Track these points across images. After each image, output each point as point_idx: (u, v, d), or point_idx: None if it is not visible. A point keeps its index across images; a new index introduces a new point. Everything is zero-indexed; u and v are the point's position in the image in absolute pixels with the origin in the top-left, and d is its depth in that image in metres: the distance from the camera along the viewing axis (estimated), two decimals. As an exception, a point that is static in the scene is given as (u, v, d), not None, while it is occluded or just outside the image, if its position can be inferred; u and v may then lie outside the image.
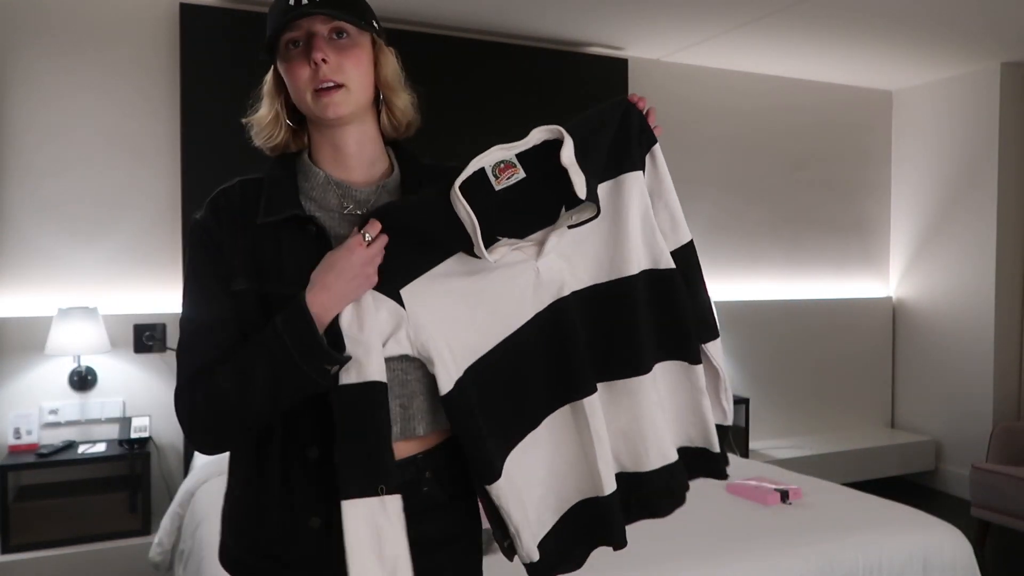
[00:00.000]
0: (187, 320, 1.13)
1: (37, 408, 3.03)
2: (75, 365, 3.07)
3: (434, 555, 1.11)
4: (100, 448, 2.97)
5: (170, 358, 3.21)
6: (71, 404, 3.07)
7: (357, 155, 1.13)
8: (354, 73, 1.08)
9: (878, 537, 2.23)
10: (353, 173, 1.14)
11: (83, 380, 3.09)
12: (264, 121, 1.14)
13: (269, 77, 1.14)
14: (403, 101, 1.16)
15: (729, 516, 2.38)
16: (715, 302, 4.15)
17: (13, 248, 3.05)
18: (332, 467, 1.02)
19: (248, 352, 1.03)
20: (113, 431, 3.13)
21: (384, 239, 1.04)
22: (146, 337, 3.18)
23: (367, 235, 1.02)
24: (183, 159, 3.22)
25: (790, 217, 4.63)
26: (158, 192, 3.25)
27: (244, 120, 1.17)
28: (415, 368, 1.09)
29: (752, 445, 4.24)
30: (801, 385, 4.61)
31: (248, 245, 1.08)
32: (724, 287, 4.40)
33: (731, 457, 3.22)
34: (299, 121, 1.15)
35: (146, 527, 2.95)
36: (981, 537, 3.57)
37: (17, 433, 2.96)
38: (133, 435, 3.01)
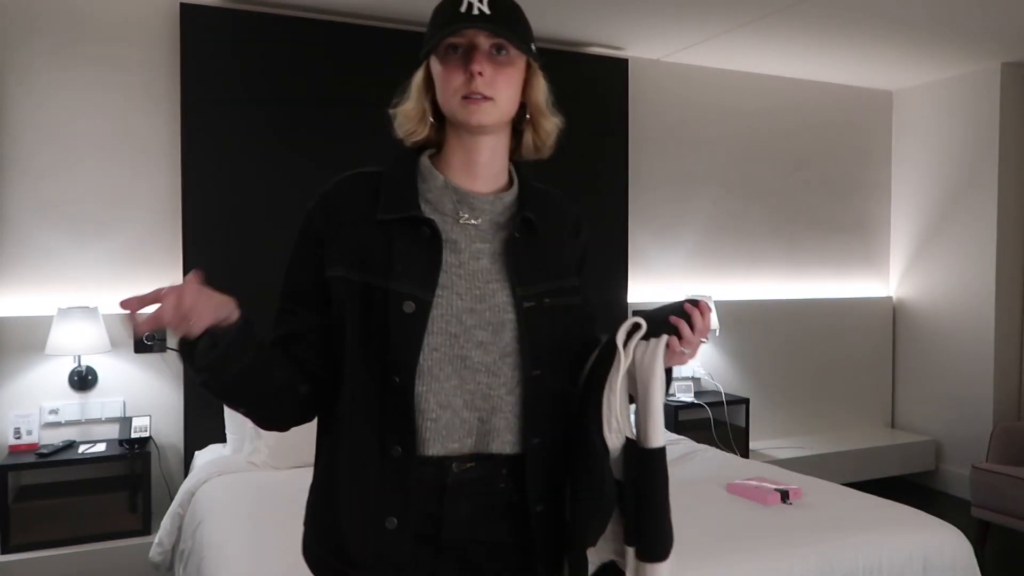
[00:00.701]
0: (280, 296, 1.21)
1: (37, 408, 3.03)
2: (75, 365, 3.07)
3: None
4: (100, 448, 2.97)
5: (170, 358, 3.22)
6: (71, 404, 3.07)
7: (487, 165, 1.16)
8: (504, 90, 1.11)
9: (878, 537, 2.23)
10: (476, 182, 1.16)
11: (83, 380, 3.09)
12: (410, 115, 1.17)
13: (420, 73, 1.16)
14: (550, 124, 1.19)
15: (729, 516, 2.38)
16: (715, 301, 4.20)
17: (13, 248, 3.05)
18: (412, 465, 1.07)
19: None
20: (113, 431, 3.13)
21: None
22: (146, 337, 3.18)
23: None
24: (183, 159, 3.22)
25: (790, 217, 4.63)
26: (158, 192, 3.25)
27: (390, 110, 1.20)
28: (500, 384, 1.11)
29: (752, 445, 4.24)
30: (801, 385, 4.61)
31: (356, 238, 1.12)
32: (724, 287, 4.40)
33: (732, 457, 3.23)
34: (440, 120, 1.17)
35: (146, 527, 2.95)
36: (981, 537, 3.57)
37: (17, 433, 2.96)
38: (133, 435, 3.01)
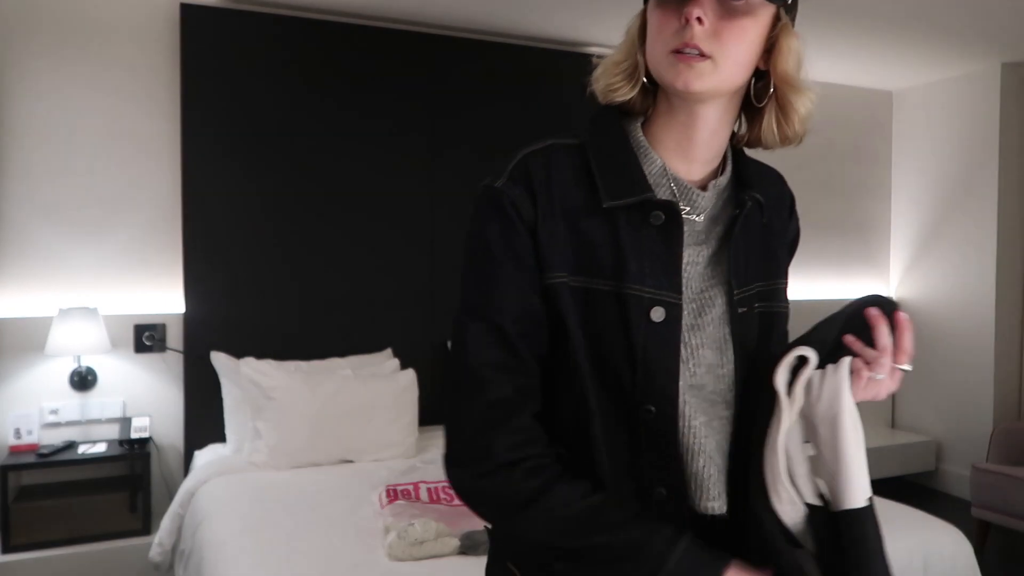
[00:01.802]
0: (476, 312, 0.85)
1: (37, 408, 3.03)
2: (75, 365, 3.07)
3: None
4: (100, 448, 2.97)
5: (170, 358, 3.21)
6: (71, 404, 3.07)
7: (705, 145, 0.90)
8: (732, 47, 0.83)
9: (878, 537, 2.23)
10: (692, 166, 0.91)
11: (83, 380, 3.09)
12: (616, 66, 0.92)
13: (636, 21, 0.91)
14: (804, 105, 0.89)
15: (729, 516, 2.37)
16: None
17: (13, 248, 3.05)
18: (684, 516, 0.86)
19: (607, 521, 0.80)
20: (113, 431, 3.13)
21: None
22: (146, 337, 3.18)
23: None
24: (183, 159, 3.22)
25: (790, 217, 4.63)
26: (158, 192, 3.24)
27: (594, 58, 0.96)
28: (734, 417, 0.89)
29: (752, 445, 4.24)
30: (801, 385, 4.61)
31: (566, 229, 0.86)
32: (724, 287, 4.40)
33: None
34: (653, 84, 0.90)
35: (146, 527, 2.95)
36: (981, 537, 3.57)
37: (17, 433, 2.96)
38: (133, 435, 3.01)
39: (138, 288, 3.21)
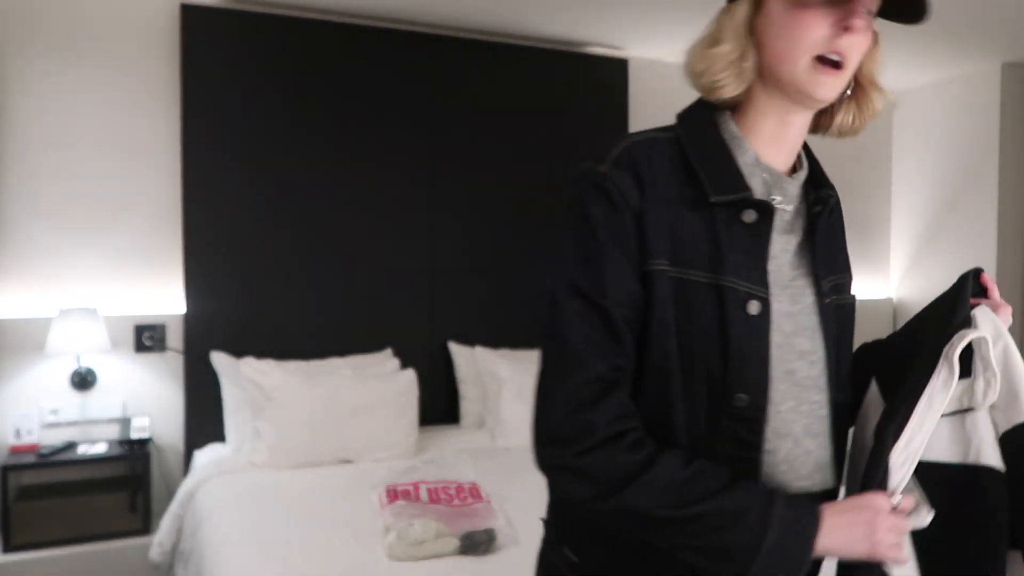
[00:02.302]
0: (580, 292, 0.86)
1: (37, 408, 3.03)
2: (75, 365, 3.07)
3: None
4: (100, 448, 2.97)
5: (170, 358, 3.21)
6: (71, 404, 3.07)
7: (796, 140, 0.95)
8: (856, 57, 0.88)
9: (878, 537, 2.23)
10: (780, 158, 0.94)
11: (83, 380, 3.09)
12: (724, 60, 0.89)
13: (743, 11, 0.89)
14: (880, 102, 0.97)
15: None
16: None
17: (13, 248, 3.05)
18: None
19: (708, 489, 0.82)
20: (113, 431, 3.13)
21: (912, 523, 0.85)
22: (146, 337, 3.18)
23: (897, 501, 0.84)
24: (183, 159, 3.22)
25: (790, 217, 4.63)
26: (158, 192, 3.24)
27: (687, 48, 0.95)
28: (827, 402, 0.93)
29: (752, 445, 4.23)
30: (801, 385, 4.61)
31: (669, 220, 0.87)
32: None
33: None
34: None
35: (146, 527, 2.95)
36: (981, 537, 3.56)
37: (17, 433, 2.96)
38: (133, 435, 3.01)
39: (138, 288, 3.22)
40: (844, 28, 0.83)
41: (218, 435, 3.17)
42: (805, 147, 1.00)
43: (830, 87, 0.87)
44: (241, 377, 3.00)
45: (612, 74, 4.01)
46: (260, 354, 3.12)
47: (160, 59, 3.24)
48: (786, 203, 0.93)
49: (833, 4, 0.84)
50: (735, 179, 0.89)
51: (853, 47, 0.86)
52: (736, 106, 0.94)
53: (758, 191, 0.91)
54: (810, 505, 0.84)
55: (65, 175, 3.12)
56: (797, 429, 0.89)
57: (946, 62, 4.27)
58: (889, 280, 4.96)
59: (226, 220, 3.26)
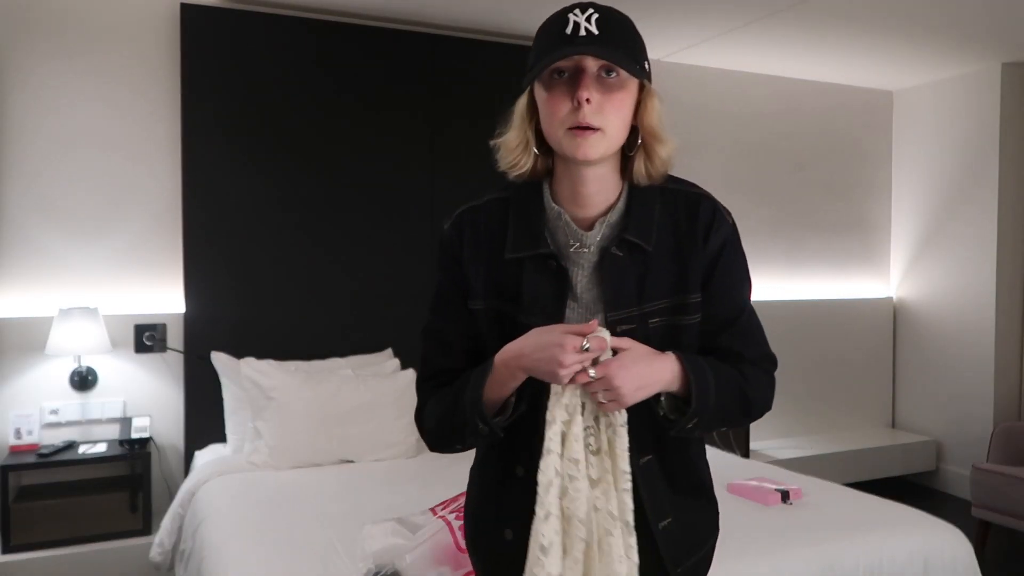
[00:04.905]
0: (428, 322, 1.22)
1: (38, 408, 3.03)
2: (76, 365, 3.07)
3: None
4: (101, 448, 2.97)
5: (170, 358, 3.22)
6: (72, 404, 3.07)
7: (594, 195, 1.11)
8: (614, 118, 1.04)
9: (879, 537, 2.23)
10: (584, 209, 1.12)
11: (84, 380, 3.09)
12: (512, 146, 1.13)
13: (523, 101, 1.12)
14: (666, 150, 1.11)
15: (729, 516, 2.36)
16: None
17: (13, 248, 3.05)
18: (533, 486, 1.05)
19: (453, 388, 1.12)
20: (114, 431, 3.13)
21: (596, 355, 1.01)
22: (146, 337, 3.18)
23: (587, 344, 1.01)
24: (183, 159, 3.22)
25: (790, 217, 4.63)
26: (158, 192, 3.25)
27: (492, 142, 1.16)
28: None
29: (753, 445, 4.24)
30: (802, 385, 4.61)
31: (489, 267, 1.13)
32: (724, 287, 4.39)
33: (732, 457, 3.23)
34: (547, 150, 1.12)
35: (146, 527, 2.95)
36: (982, 537, 3.57)
37: (18, 433, 2.96)
38: (133, 435, 3.01)
39: (138, 288, 3.22)
40: (576, 103, 1.01)
41: (218, 435, 3.17)
42: (637, 192, 1.13)
43: (586, 148, 1.03)
44: (241, 377, 3.00)
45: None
46: (260, 354, 3.12)
47: (160, 59, 3.24)
48: (584, 248, 1.11)
49: (569, 84, 1.02)
50: (535, 238, 1.11)
51: (594, 113, 1.01)
52: (553, 175, 1.14)
53: (560, 241, 1.11)
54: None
55: (65, 174, 3.12)
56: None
57: (946, 62, 4.27)
58: (889, 280, 4.96)
59: (226, 220, 3.26)
